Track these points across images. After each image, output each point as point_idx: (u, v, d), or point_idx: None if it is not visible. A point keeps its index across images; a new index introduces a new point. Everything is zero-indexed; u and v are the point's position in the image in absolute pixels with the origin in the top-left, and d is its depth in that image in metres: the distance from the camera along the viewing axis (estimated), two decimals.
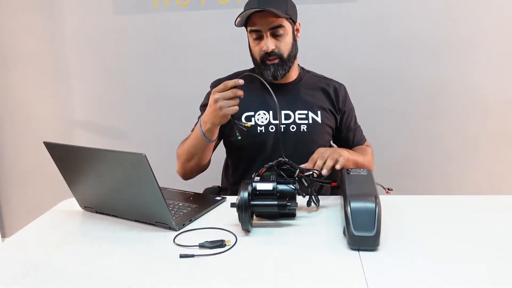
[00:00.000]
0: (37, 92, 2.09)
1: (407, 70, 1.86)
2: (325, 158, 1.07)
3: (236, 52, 1.90)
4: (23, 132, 2.14)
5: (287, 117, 1.30)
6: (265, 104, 1.31)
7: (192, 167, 1.28)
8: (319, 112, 1.32)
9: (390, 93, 1.90)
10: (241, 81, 1.07)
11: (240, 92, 1.08)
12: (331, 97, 1.35)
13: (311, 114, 1.31)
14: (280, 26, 1.21)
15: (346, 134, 1.40)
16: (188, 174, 1.31)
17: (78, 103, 2.09)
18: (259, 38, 1.24)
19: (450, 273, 0.73)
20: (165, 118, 2.05)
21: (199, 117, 1.37)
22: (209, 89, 1.38)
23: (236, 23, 1.24)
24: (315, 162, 1.07)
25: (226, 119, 1.11)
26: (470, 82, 1.85)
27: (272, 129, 1.29)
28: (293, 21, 1.26)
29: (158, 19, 1.93)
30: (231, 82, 1.06)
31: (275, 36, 1.22)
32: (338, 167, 1.07)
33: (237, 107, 1.09)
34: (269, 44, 1.21)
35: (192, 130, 1.34)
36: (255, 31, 1.23)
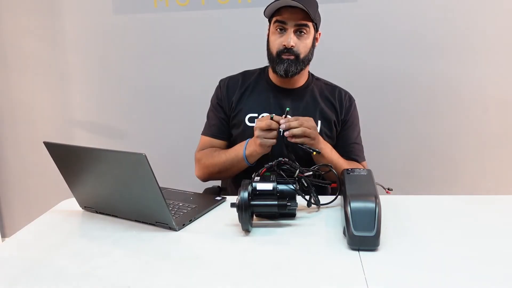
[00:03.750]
0: (37, 92, 2.09)
1: (407, 70, 1.86)
2: (309, 133, 1.13)
3: (236, 52, 1.91)
4: (23, 132, 2.14)
5: None
6: (268, 107, 1.32)
7: (219, 178, 1.36)
8: (319, 122, 1.31)
9: (390, 93, 1.90)
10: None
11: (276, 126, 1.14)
12: (335, 107, 1.34)
13: None
14: (305, 25, 1.23)
15: (341, 145, 1.34)
16: (210, 179, 1.37)
17: (78, 103, 2.09)
18: (282, 31, 1.24)
19: (450, 273, 0.73)
20: (165, 118, 2.05)
21: (209, 116, 1.40)
22: (218, 86, 1.41)
23: (265, 12, 1.25)
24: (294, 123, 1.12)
25: (267, 150, 1.18)
26: (470, 82, 1.85)
27: None
28: (316, 28, 1.28)
29: (158, 19, 1.93)
30: (275, 124, 1.12)
31: (298, 34, 1.23)
32: (286, 133, 1.12)
33: (274, 141, 1.15)
34: (290, 39, 1.22)
35: (204, 134, 1.38)
36: (281, 22, 1.23)
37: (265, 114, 1.30)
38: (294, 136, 1.12)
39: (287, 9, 1.21)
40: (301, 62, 1.26)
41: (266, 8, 1.24)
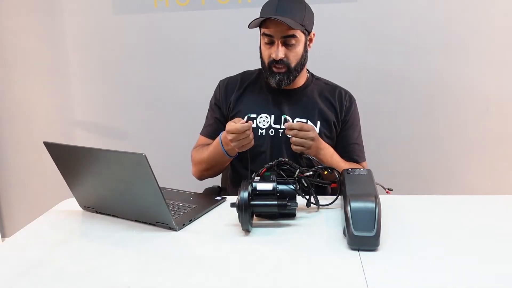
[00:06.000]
0: (37, 92, 2.09)
1: (407, 70, 1.86)
2: (301, 143, 1.14)
3: (236, 53, 1.91)
4: (23, 132, 2.14)
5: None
6: (268, 107, 1.31)
7: (211, 174, 1.35)
8: (318, 122, 1.30)
9: (390, 93, 1.89)
10: (250, 123, 1.13)
11: (250, 131, 1.13)
12: (335, 107, 1.33)
13: (309, 123, 1.29)
14: (293, 36, 1.20)
15: (341, 145, 1.34)
16: (204, 178, 1.37)
17: (78, 103, 2.09)
18: (270, 43, 1.22)
19: (450, 273, 0.73)
20: (165, 118, 2.05)
21: (207, 116, 1.41)
22: (217, 87, 1.41)
23: (249, 25, 1.22)
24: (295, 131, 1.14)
25: (246, 148, 1.17)
26: (470, 81, 1.85)
27: (272, 132, 1.29)
28: (307, 31, 1.25)
29: (158, 19, 1.93)
30: (245, 127, 1.11)
31: (286, 44, 1.21)
32: (294, 148, 1.16)
33: (251, 143, 1.16)
34: (278, 52, 1.20)
35: (201, 133, 1.39)
36: (268, 35, 1.21)
37: (263, 115, 1.30)
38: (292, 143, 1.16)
39: (271, 21, 1.18)
40: (294, 70, 1.25)
41: (250, 23, 1.21)
